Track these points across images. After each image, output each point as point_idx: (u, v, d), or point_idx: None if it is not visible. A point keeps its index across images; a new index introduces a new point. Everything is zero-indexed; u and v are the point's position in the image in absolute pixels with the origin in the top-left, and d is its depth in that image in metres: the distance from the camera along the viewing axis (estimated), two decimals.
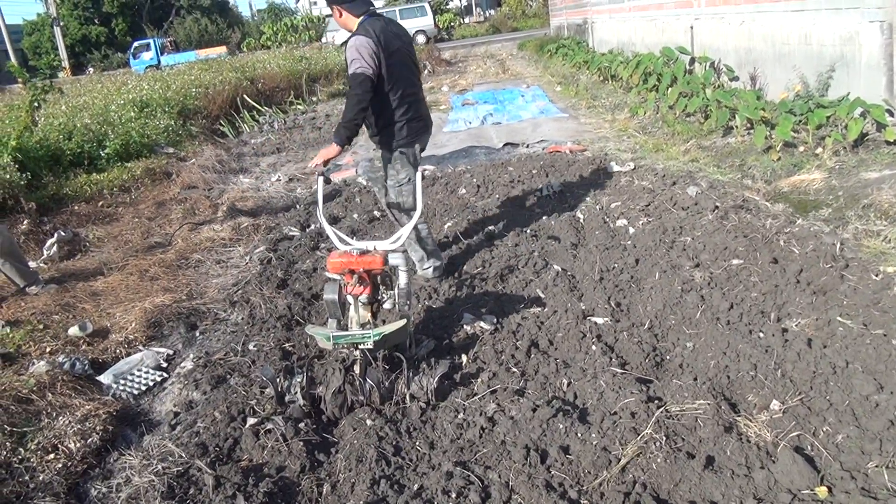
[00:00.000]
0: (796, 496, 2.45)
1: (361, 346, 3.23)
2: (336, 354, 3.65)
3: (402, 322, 3.28)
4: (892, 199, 4.96)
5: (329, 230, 3.61)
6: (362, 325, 3.37)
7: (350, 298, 3.41)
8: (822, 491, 2.46)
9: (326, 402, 3.24)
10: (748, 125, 7.46)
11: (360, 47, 4.06)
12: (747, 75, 8.82)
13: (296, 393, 3.26)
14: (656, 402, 3.04)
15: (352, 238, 3.78)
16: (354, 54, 4.07)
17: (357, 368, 3.29)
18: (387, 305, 3.63)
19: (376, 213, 6.54)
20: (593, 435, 2.87)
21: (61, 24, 45.13)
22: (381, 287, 3.56)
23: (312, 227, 6.54)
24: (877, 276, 3.83)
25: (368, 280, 3.37)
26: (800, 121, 6.70)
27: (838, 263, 4.04)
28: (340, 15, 4.26)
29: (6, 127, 8.85)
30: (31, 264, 6.05)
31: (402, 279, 3.49)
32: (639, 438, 2.77)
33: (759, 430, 2.81)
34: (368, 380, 3.22)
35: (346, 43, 4.22)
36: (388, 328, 3.20)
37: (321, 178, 3.98)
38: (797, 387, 3.06)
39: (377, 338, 3.14)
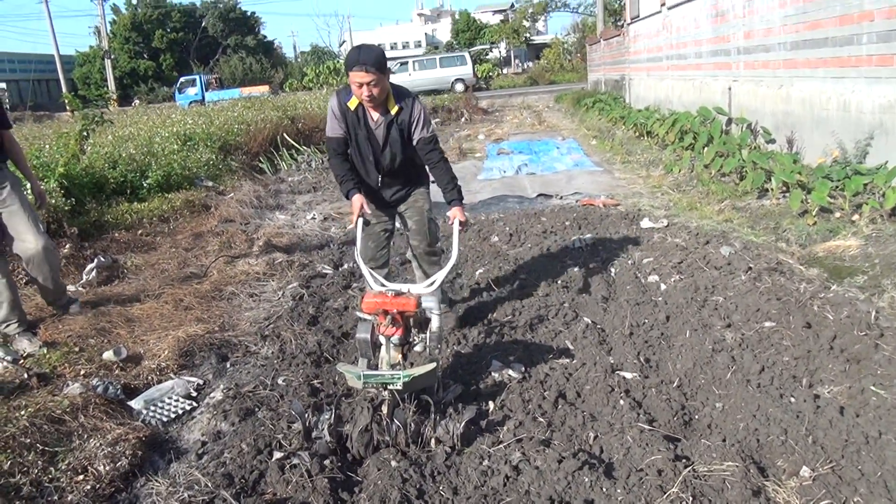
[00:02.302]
0: None
1: (390, 387, 3.25)
2: (364, 394, 3.67)
3: (432, 365, 3.30)
4: None
5: (366, 270, 3.67)
6: (392, 366, 3.40)
7: (382, 339, 3.44)
8: None
9: (353, 440, 3.26)
10: (784, 188, 7.45)
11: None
12: (784, 138, 8.84)
13: (323, 430, 3.28)
14: (684, 461, 3.01)
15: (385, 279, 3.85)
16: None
17: (385, 409, 3.31)
18: (417, 348, 3.64)
19: (409, 256, 6.60)
20: (619, 490, 2.85)
21: (112, 57, 46.67)
22: (412, 329, 3.59)
23: (345, 265, 6.62)
24: None
25: (401, 321, 3.41)
26: (836, 186, 6.69)
27: (873, 332, 3.99)
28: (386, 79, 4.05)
29: (55, 154, 9.13)
30: (70, 288, 6.20)
31: (434, 323, 3.51)
32: (665, 497, 2.75)
33: (788, 496, 2.77)
34: (396, 420, 3.24)
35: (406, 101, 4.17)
36: (418, 371, 3.23)
37: (360, 220, 4.06)
38: (828, 454, 3.02)
39: (407, 380, 3.16)
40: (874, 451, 2.99)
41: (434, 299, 3.57)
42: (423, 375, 3.23)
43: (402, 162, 4.30)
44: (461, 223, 4.08)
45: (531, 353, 4.28)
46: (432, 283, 3.59)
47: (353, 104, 4.11)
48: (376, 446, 3.27)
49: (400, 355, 3.46)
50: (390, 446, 3.26)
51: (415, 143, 4.20)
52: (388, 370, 3.34)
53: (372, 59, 3.82)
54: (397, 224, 4.79)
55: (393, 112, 4.12)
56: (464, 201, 4.26)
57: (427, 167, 4.36)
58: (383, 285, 3.61)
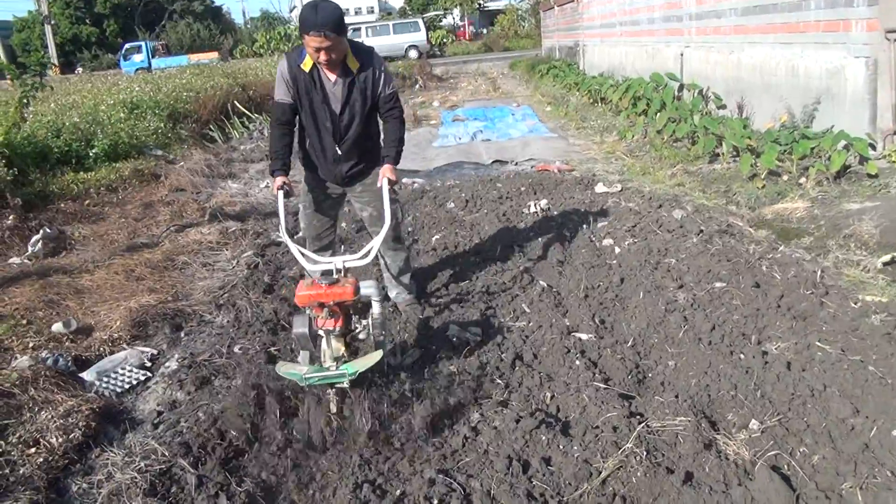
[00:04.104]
0: None
1: (337, 385, 3.05)
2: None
3: (378, 354, 3.05)
4: (871, 230, 5.07)
5: (293, 248, 3.42)
6: (336, 359, 3.12)
7: (322, 331, 3.16)
8: None
9: (308, 444, 3.04)
10: (734, 153, 7.58)
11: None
12: (735, 104, 8.97)
13: (271, 433, 3.08)
14: (638, 417, 3.08)
15: (339, 247, 3.73)
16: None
17: (333, 407, 3.11)
18: (361, 336, 3.37)
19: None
20: (575, 447, 2.91)
21: (52, 22, 44.92)
22: (354, 317, 3.33)
23: (300, 234, 6.54)
24: (855, 304, 3.92)
25: (340, 312, 3.12)
26: (784, 150, 6.83)
27: (818, 290, 4.12)
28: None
29: None
30: (16, 260, 6.03)
31: (376, 309, 3.29)
32: (620, 452, 2.81)
33: (738, 448, 2.86)
34: (348, 419, 3.06)
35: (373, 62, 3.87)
36: (364, 363, 2.98)
37: (280, 193, 3.74)
38: (776, 408, 3.12)
39: (353, 376, 2.94)
40: (819, 403, 3.09)
41: (373, 284, 3.34)
42: (370, 367, 3.01)
43: (360, 127, 3.93)
44: (390, 182, 3.77)
45: (488, 317, 4.32)
46: (367, 253, 3.35)
47: (307, 65, 3.77)
48: (330, 445, 3.05)
49: (343, 346, 3.20)
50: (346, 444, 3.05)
51: (377, 99, 3.90)
52: (331, 363, 3.11)
53: (330, 22, 3.48)
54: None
55: (354, 70, 3.79)
56: (398, 164, 3.94)
57: (383, 122, 4.04)
58: (312, 261, 3.39)
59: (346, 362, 3.06)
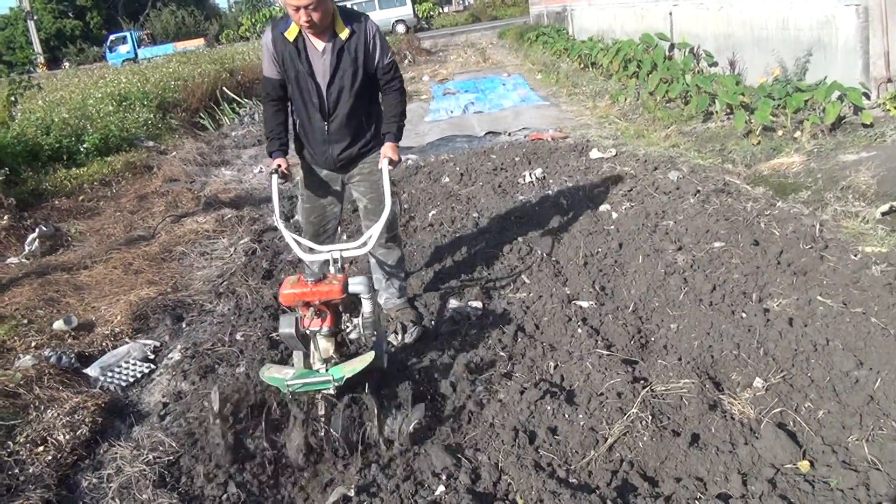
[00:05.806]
0: (779, 470, 2.51)
1: (324, 392, 2.86)
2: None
3: (369, 356, 2.89)
4: (869, 180, 5.05)
5: (287, 235, 3.25)
6: (325, 361, 2.94)
7: (309, 331, 2.95)
8: (804, 465, 2.52)
9: (289, 457, 2.88)
10: (728, 110, 7.53)
11: None
12: (726, 61, 8.89)
13: (253, 448, 2.93)
14: (642, 382, 3.09)
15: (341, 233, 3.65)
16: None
17: (321, 412, 2.87)
18: (353, 335, 3.13)
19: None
20: (580, 415, 2.91)
21: (35, 18, 44.44)
22: (344, 315, 3.08)
23: (297, 217, 6.52)
24: (855, 255, 3.90)
25: (328, 311, 2.93)
26: (778, 105, 6.78)
27: (818, 244, 4.11)
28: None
29: None
30: (13, 260, 6.01)
31: (366, 308, 3.07)
32: (625, 418, 2.81)
33: (743, 407, 2.87)
34: (333, 431, 2.80)
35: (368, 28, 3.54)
36: (352, 367, 2.83)
37: (275, 177, 3.46)
38: (779, 365, 3.12)
39: (339, 382, 2.78)
40: (822, 357, 3.09)
41: (363, 281, 3.11)
42: (359, 372, 2.84)
43: (350, 103, 3.56)
44: (391, 162, 3.48)
45: (488, 290, 4.31)
46: (367, 241, 3.20)
47: (291, 34, 3.43)
48: (316, 459, 2.88)
49: (332, 347, 2.99)
50: (332, 456, 2.87)
51: (372, 71, 3.58)
52: (321, 365, 2.94)
53: None
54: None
55: (343, 37, 3.43)
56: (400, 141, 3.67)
57: (381, 95, 3.73)
58: (309, 250, 3.29)
59: (336, 364, 2.91)
